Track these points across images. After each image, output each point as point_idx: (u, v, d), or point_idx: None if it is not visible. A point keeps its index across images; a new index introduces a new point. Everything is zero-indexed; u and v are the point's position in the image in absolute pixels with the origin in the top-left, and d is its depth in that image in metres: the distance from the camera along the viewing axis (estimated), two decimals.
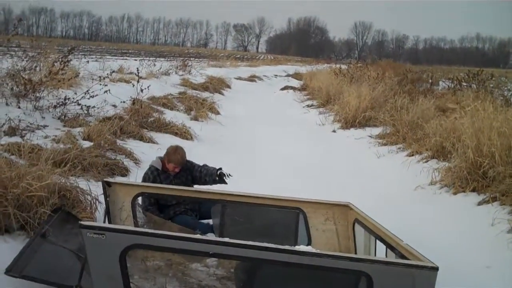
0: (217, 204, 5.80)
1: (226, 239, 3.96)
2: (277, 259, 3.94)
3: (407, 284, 4.02)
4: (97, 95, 10.40)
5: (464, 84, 16.96)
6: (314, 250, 4.06)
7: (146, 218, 5.72)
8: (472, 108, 9.14)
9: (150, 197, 5.91)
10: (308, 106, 19.67)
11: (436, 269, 4.02)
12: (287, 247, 4.14)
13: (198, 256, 4.76)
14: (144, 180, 6.14)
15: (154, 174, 6.14)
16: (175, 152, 6.15)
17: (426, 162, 9.82)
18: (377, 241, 5.06)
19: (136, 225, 5.54)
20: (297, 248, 4.10)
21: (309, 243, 5.77)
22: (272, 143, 12.35)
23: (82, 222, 3.84)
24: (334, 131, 14.64)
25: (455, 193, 7.97)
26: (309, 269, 4.00)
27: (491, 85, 17.29)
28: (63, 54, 10.88)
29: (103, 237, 3.80)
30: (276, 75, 38.99)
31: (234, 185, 6.06)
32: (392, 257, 4.63)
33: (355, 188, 8.60)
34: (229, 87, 24.65)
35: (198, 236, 4.08)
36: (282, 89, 27.19)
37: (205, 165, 6.35)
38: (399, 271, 4.02)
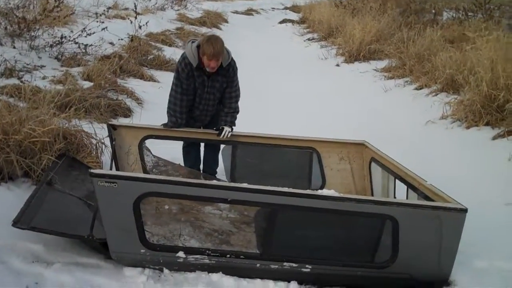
0: (227, 146, 5.57)
1: (244, 185, 3.75)
2: (298, 204, 3.76)
3: (434, 226, 3.88)
4: (94, 32, 9.94)
5: (471, 14, 16.41)
6: (337, 194, 3.87)
7: (155, 161, 5.51)
8: (487, 38, 8.75)
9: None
10: (309, 39, 19.11)
11: (465, 211, 3.87)
12: (308, 191, 3.97)
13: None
14: (176, 71, 5.25)
15: (187, 69, 5.15)
16: (208, 41, 4.95)
17: (435, 95, 9.54)
18: (397, 180, 4.89)
19: (144, 169, 5.34)
20: (319, 192, 3.91)
21: (323, 183, 5.61)
22: (274, 79, 12.00)
23: (92, 171, 3.62)
24: (337, 65, 14.23)
25: (468, 127, 7.75)
26: (332, 214, 3.82)
27: (496, 14, 16.76)
28: None
29: (115, 185, 3.59)
30: (274, 8, 37.85)
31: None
32: (414, 198, 4.47)
33: (363, 123, 8.38)
34: (226, 21, 23.93)
35: (215, 182, 3.87)
36: (281, 22, 26.46)
37: (235, 98, 5.43)
38: (426, 214, 3.87)
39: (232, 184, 3.83)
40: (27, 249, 3.83)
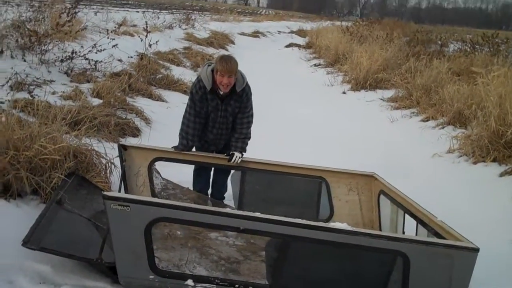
0: (237, 171, 5.55)
1: (258, 214, 3.72)
2: (312, 237, 3.73)
3: (445, 265, 3.84)
4: (104, 49, 10.00)
5: (477, 46, 16.54)
6: (349, 228, 3.83)
7: (163, 184, 5.48)
8: (497, 74, 8.79)
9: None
10: (315, 65, 19.24)
11: (476, 250, 3.84)
12: (322, 224, 3.93)
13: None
14: (191, 93, 5.25)
15: (201, 92, 5.14)
16: (221, 58, 5.06)
17: (442, 128, 9.57)
18: (406, 215, 4.86)
19: (153, 191, 5.31)
20: (332, 225, 3.87)
21: (331, 214, 5.58)
22: (280, 104, 11.99)
23: (105, 193, 3.60)
24: (344, 92, 14.28)
25: (475, 163, 7.73)
26: (344, 248, 3.79)
27: (501, 48, 16.87)
28: (71, 4, 10.42)
29: (127, 209, 3.57)
30: (280, 31, 38.24)
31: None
32: (424, 234, 4.43)
33: (369, 153, 8.38)
34: (233, 43, 24.15)
35: (228, 210, 3.84)
36: (287, 46, 26.71)
37: (247, 124, 5.40)
38: (438, 252, 3.83)
39: (246, 213, 3.78)
40: (34, 269, 3.79)
